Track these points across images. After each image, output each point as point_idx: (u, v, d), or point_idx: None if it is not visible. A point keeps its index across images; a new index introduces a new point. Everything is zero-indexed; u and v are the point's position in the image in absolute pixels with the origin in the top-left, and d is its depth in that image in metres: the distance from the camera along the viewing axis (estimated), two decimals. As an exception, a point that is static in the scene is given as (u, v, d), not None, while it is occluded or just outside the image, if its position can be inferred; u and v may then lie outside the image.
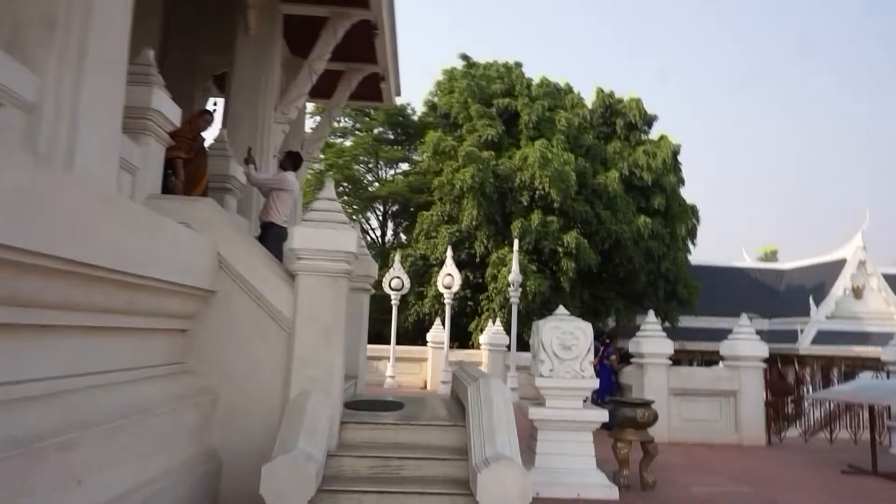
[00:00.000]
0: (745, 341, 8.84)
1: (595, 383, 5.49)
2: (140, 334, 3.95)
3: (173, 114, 5.03)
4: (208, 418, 4.55)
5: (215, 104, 8.34)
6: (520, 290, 13.87)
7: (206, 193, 6.36)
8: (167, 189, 5.62)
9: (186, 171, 6.05)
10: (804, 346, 26.91)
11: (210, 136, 6.81)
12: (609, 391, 8.98)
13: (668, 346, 8.64)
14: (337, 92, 10.10)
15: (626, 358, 9.37)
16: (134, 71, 4.80)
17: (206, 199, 5.00)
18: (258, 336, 4.67)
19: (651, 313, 9.10)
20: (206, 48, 8.84)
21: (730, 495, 5.64)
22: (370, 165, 31.16)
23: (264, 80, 8.10)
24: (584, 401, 5.60)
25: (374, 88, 10.97)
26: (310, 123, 13.89)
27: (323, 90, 10.71)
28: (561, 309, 5.83)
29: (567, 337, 5.48)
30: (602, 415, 5.38)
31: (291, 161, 6.48)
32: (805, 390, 12.39)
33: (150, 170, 4.86)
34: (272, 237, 5.94)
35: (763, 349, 8.83)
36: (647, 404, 5.71)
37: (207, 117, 6.47)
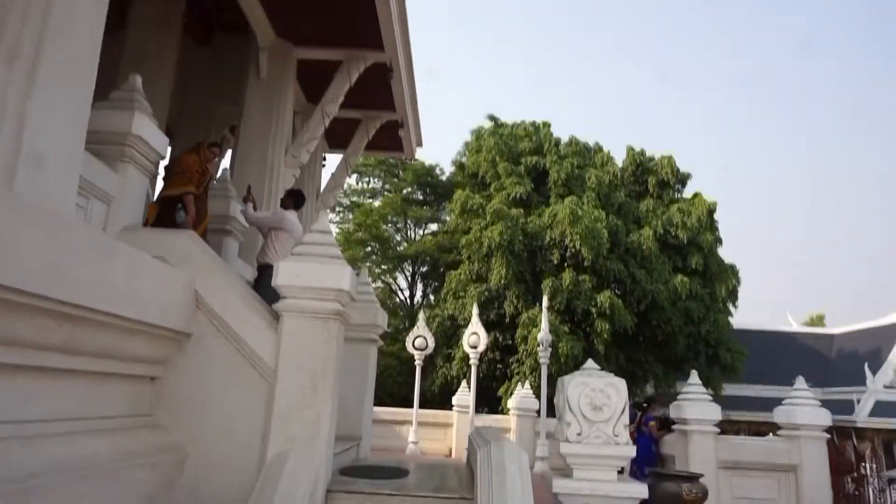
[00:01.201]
0: (804, 407, 7.82)
1: (631, 451, 4.66)
2: (90, 379, 3.37)
3: (158, 142, 4.64)
4: (171, 483, 3.89)
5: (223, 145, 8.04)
6: (549, 350, 13.02)
7: (206, 235, 5.93)
8: (175, 226, 5.20)
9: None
10: (862, 417, 24.88)
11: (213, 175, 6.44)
12: (649, 462, 7.99)
13: (716, 411, 7.68)
14: (354, 140, 9.81)
15: (666, 425, 8.40)
16: (118, 97, 4.46)
17: (186, 232, 4.51)
18: (237, 386, 4.06)
19: (694, 374, 8.19)
20: (222, 98, 8.68)
21: None
22: (399, 226, 31.04)
23: (275, 123, 7.81)
24: (620, 472, 4.77)
25: (395, 139, 10.68)
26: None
27: (341, 140, 10.48)
28: (590, 363, 5.09)
29: (597, 395, 4.72)
30: (640, 490, 4.53)
31: (293, 200, 6.02)
32: (867, 468, 11.08)
33: (129, 200, 4.42)
34: (269, 279, 5.40)
35: (825, 417, 7.79)
36: (694, 478, 4.85)
37: (215, 150, 6.11)
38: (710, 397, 7.85)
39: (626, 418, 4.73)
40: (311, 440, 3.87)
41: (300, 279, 4.03)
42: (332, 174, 9.97)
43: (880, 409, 25.15)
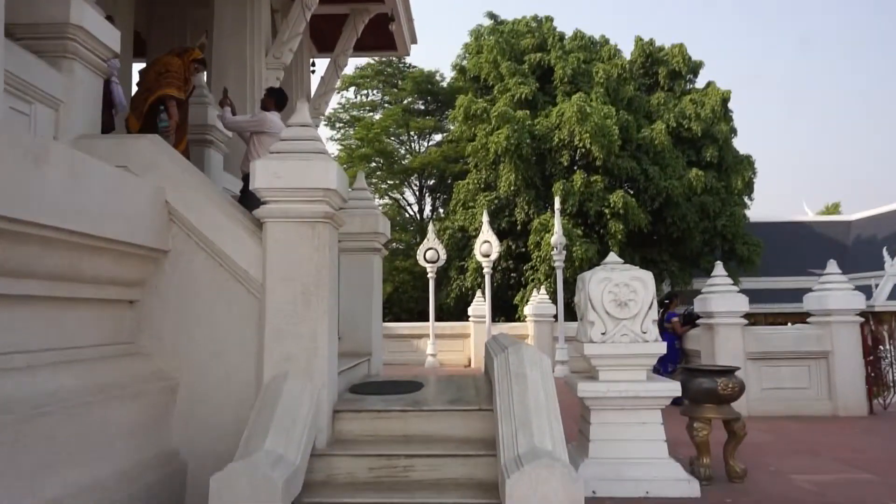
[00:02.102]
0: (837, 292, 7.39)
1: (662, 347, 4.27)
2: (48, 305, 2.96)
3: (107, 35, 4.00)
4: (165, 411, 3.57)
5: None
6: (564, 253, 12.62)
7: (188, 151, 5.39)
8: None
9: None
10: (880, 301, 24.64)
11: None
12: (673, 360, 7.71)
13: (743, 302, 7.29)
14: (342, 38, 8.99)
15: (690, 320, 8.06)
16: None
17: (151, 136, 3.97)
18: (223, 305, 3.65)
19: (719, 265, 7.74)
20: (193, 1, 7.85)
21: (849, 485, 4.37)
22: (402, 139, 30.07)
23: (251, 21, 7.06)
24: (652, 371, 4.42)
25: (387, 36, 9.80)
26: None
27: (329, 43, 9.65)
28: (612, 257, 4.62)
29: (622, 290, 4.28)
30: (674, 388, 4.17)
31: (274, 100, 5.42)
32: (887, 350, 10.84)
33: (80, 104, 3.86)
34: (255, 189, 4.91)
35: (860, 300, 7.39)
36: (729, 372, 4.46)
37: (200, 67, 5.52)
38: (738, 288, 7.44)
39: (654, 313, 4.31)
40: (310, 358, 3.49)
41: (281, 179, 3.52)
42: (322, 78, 9.22)
43: (899, 291, 24.93)
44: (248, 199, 4.70)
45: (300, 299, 3.52)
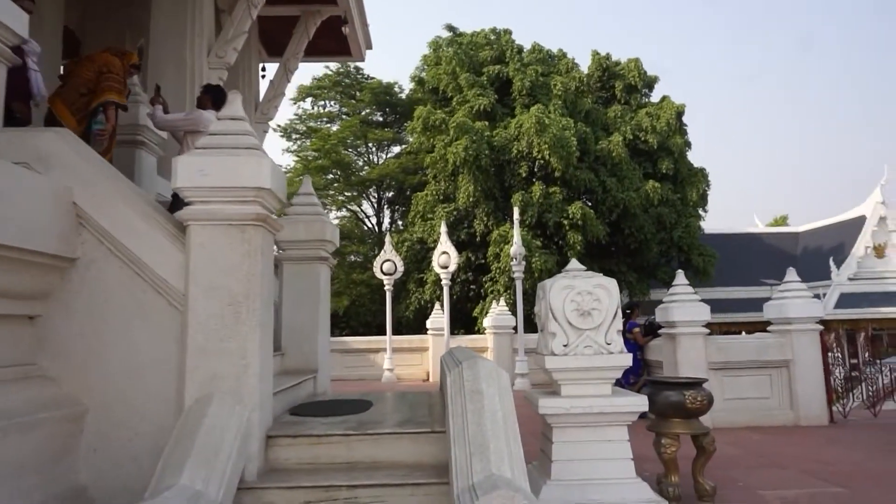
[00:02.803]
0: (797, 300, 7.34)
1: (627, 360, 4.01)
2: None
3: (10, 17, 3.55)
4: (71, 441, 3.10)
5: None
6: (523, 264, 12.41)
7: (112, 154, 4.95)
8: (87, 139, 4.29)
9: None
10: (827, 310, 25.28)
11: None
12: (634, 371, 7.51)
13: (705, 312, 7.15)
14: (292, 41, 8.62)
15: (651, 330, 7.90)
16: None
17: (57, 129, 3.52)
18: (140, 319, 3.22)
19: (681, 274, 7.60)
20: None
21: (819, 499, 4.18)
22: (360, 150, 29.64)
23: (193, 18, 6.63)
24: (615, 384, 4.15)
25: (341, 40, 9.46)
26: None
27: (280, 47, 9.25)
28: (574, 263, 4.36)
29: (585, 299, 4.01)
30: (640, 402, 3.90)
31: (210, 97, 5.01)
32: (834, 358, 10.97)
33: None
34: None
35: (818, 308, 7.35)
36: (697, 384, 4.23)
37: (135, 72, 5.13)
38: (698, 298, 7.30)
39: (618, 323, 4.05)
40: (239, 377, 3.09)
41: (207, 177, 3.13)
42: (271, 81, 8.81)
43: (845, 300, 25.68)
44: (180, 205, 4.29)
45: (228, 312, 3.12)
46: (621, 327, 4.09)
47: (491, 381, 3.03)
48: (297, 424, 3.51)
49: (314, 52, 9.61)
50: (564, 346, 4.01)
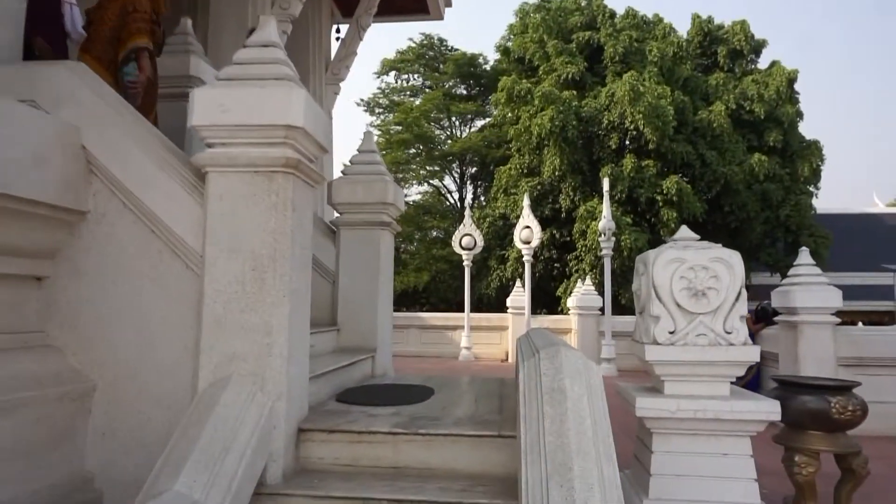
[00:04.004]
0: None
1: (754, 353, 3.16)
2: None
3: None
4: (78, 422, 2.66)
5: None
6: (612, 241, 11.40)
7: (155, 108, 4.53)
8: (122, 90, 3.89)
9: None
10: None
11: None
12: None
13: (836, 298, 6.01)
14: (365, -4, 8.01)
15: (765, 317, 6.82)
16: None
17: (70, 63, 3.07)
18: (155, 284, 2.71)
19: (805, 252, 6.46)
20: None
21: None
22: (443, 124, 29.02)
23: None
24: (734, 383, 3.31)
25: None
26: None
27: (351, 6, 8.70)
28: (684, 231, 3.51)
29: (699, 275, 3.18)
30: (771, 408, 3.05)
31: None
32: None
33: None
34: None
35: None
36: (846, 389, 3.31)
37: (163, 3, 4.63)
38: (828, 280, 6.16)
39: (742, 307, 3.20)
40: (261, 358, 2.52)
41: (228, 114, 2.55)
42: (342, 40, 8.27)
43: None
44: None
45: (250, 277, 2.55)
46: (745, 312, 3.21)
47: (578, 377, 2.30)
48: (338, 415, 2.93)
49: (389, 10, 9.01)
50: (671, 333, 3.20)
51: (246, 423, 2.33)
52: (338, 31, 9.17)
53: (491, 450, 2.61)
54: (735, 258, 3.24)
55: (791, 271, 6.36)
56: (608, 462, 2.07)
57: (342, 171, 4.60)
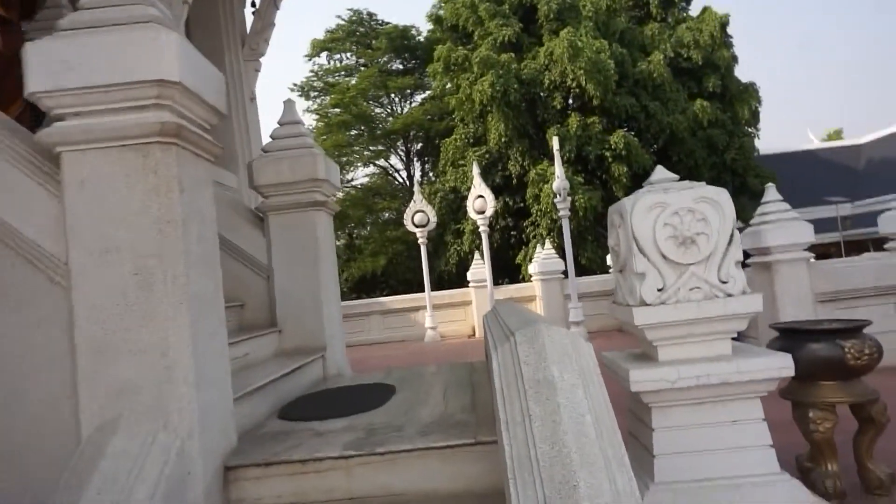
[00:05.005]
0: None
1: (755, 302, 2.75)
2: None
3: None
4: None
5: None
6: (568, 200, 11.02)
7: (28, 110, 3.81)
8: None
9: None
10: (903, 223, 23.12)
11: None
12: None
13: (807, 232, 5.74)
14: (276, -44, 7.25)
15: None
16: None
17: None
18: (10, 308, 2.09)
19: (772, 188, 6.16)
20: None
21: None
22: (382, 101, 28.15)
23: None
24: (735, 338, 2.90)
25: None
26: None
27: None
28: (660, 171, 3.06)
29: (685, 220, 2.74)
30: (782, 363, 2.65)
31: None
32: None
33: None
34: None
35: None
36: (857, 329, 2.94)
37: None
38: (796, 214, 5.88)
39: (737, 251, 2.77)
40: (160, 386, 1.94)
41: (75, 73, 1.93)
42: (256, 11, 7.51)
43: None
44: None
45: (133, 284, 1.96)
46: (741, 257, 2.78)
47: (567, 361, 1.80)
48: (278, 439, 2.38)
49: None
50: (659, 290, 2.75)
51: (145, 476, 1.77)
52: (253, 4, 8.39)
53: (468, 461, 2.11)
54: (723, 196, 2.80)
55: (759, 210, 6.06)
56: (621, 470, 1.59)
57: (262, 149, 3.98)
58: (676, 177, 2.97)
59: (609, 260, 13.28)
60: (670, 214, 2.77)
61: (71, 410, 2.01)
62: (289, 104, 4.11)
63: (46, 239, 2.02)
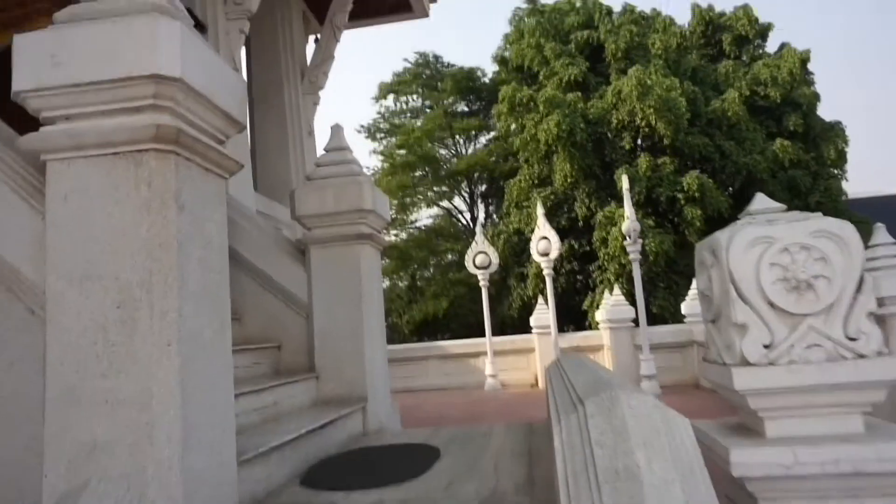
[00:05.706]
0: None
1: (893, 368, 2.16)
2: None
3: None
4: None
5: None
6: (639, 243, 10.36)
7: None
8: None
9: None
10: None
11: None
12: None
13: (927, 280, 4.95)
14: (338, -6, 7.22)
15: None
16: None
17: None
18: (-9, 343, 1.79)
19: (881, 229, 5.41)
20: None
21: None
22: (447, 142, 28.28)
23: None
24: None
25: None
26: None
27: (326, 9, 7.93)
28: (761, 200, 2.53)
29: (798, 259, 2.20)
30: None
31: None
32: None
33: None
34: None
35: None
36: None
37: None
38: (912, 261, 5.10)
39: (869, 300, 2.20)
40: (138, 447, 1.57)
41: (63, 68, 1.65)
42: (317, 44, 7.46)
43: None
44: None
45: (115, 319, 1.61)
46: (874, 307, 2.21)
47: (657, 443, 1.31)
48: (290, 514, 1.96)
49: (368, 12, 8.24)
50: (766, 346, 2.20)
51: (101, 568, 1.37)
52: (317, 40, 8.42)
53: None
54: (848, 229, 2.26)
55: (868, 254, 5.30)
56: None
57: (306, 177, 3.70)
58: (783, 206, 2.44)
59: (684, 308, 12.37)
60: (778, 252, 2.23)
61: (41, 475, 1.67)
62: (336, 129, 3.82)
63: (25, 262, 1.72)
